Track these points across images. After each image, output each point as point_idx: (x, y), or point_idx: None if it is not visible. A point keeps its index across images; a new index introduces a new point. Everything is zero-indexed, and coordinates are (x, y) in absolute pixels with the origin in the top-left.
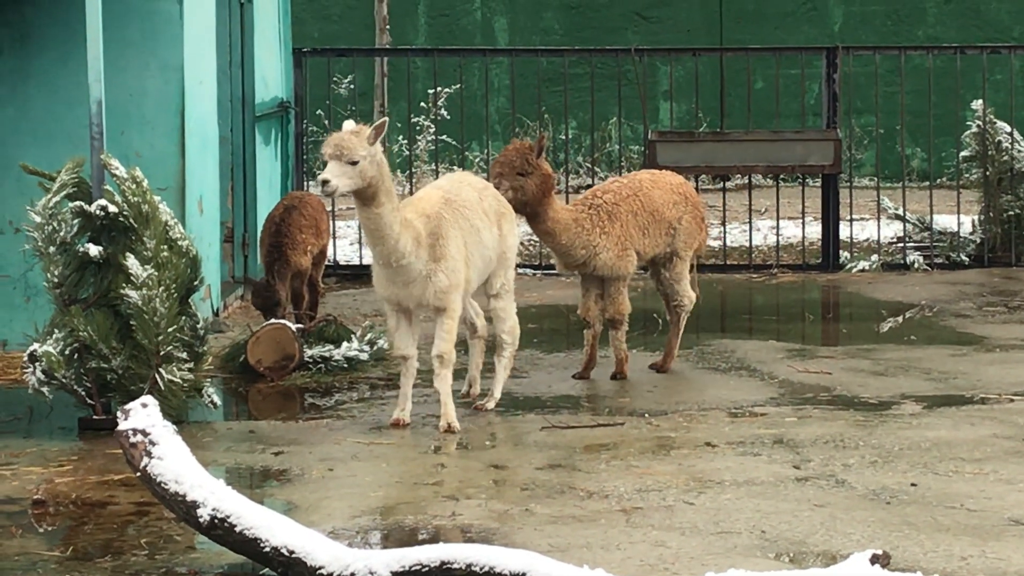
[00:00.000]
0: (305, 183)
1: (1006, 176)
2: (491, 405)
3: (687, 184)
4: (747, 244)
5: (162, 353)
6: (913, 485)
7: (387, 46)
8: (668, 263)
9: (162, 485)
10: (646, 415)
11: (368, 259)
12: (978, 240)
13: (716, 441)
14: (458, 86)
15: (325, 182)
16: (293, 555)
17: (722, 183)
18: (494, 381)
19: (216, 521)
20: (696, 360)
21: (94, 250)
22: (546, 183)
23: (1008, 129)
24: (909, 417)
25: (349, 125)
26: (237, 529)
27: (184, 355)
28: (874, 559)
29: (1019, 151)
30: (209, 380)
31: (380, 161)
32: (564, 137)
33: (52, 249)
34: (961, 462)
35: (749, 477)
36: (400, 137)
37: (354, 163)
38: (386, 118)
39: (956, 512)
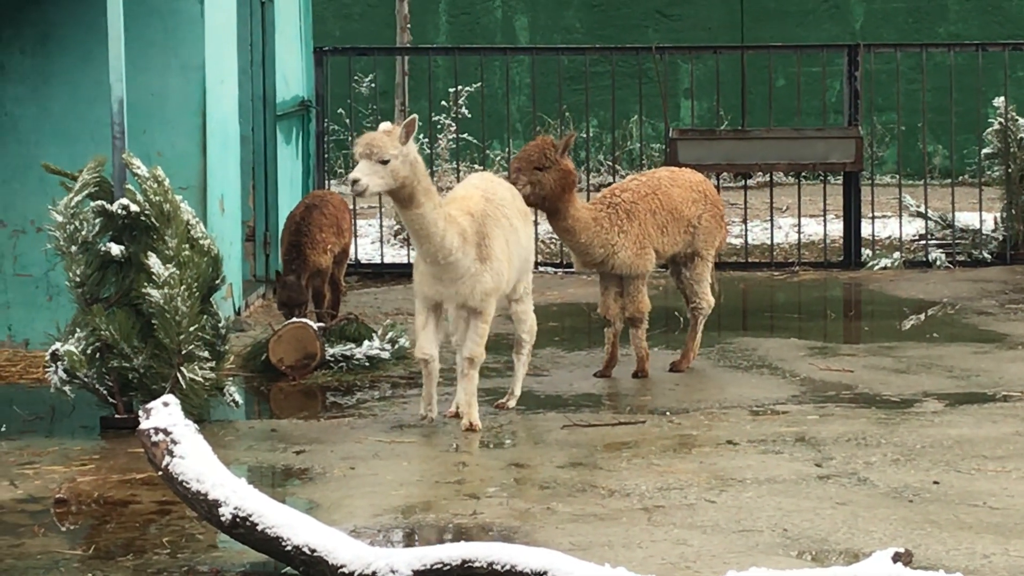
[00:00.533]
0: (326, 182)
1: None
2: (512, 403)
3: (707, 182)
4: (768, 242)
5: (184, 352)
6: (935, 483)
7: (408, 45)
8: (689, 263)
9: (184, 484)
10: (667, 413)
11: (390, 258)
12: (1000, 237)
13: (738, 439)
14: (479, 85)
15: (355, 181)
16: (315, 554)
17: (743, 181)
18: (513, 379)
19: (238, 520)
20: (717, 358)
21: (116, 249)
22: (566, 179)
23: None
24: (931, 415)
25: (385, 126)
26: (259, 528)
27: (206, 354)
28: (896, 557)
29: None
30: (230, 379)
31: (414, 160)
32: (585, 135)
33: (74, 248)
34: (983, 460)
35: (771, 475)
36: (421, 136)
37: (385, 162)
38: (415, 115)
39: (978, 510)
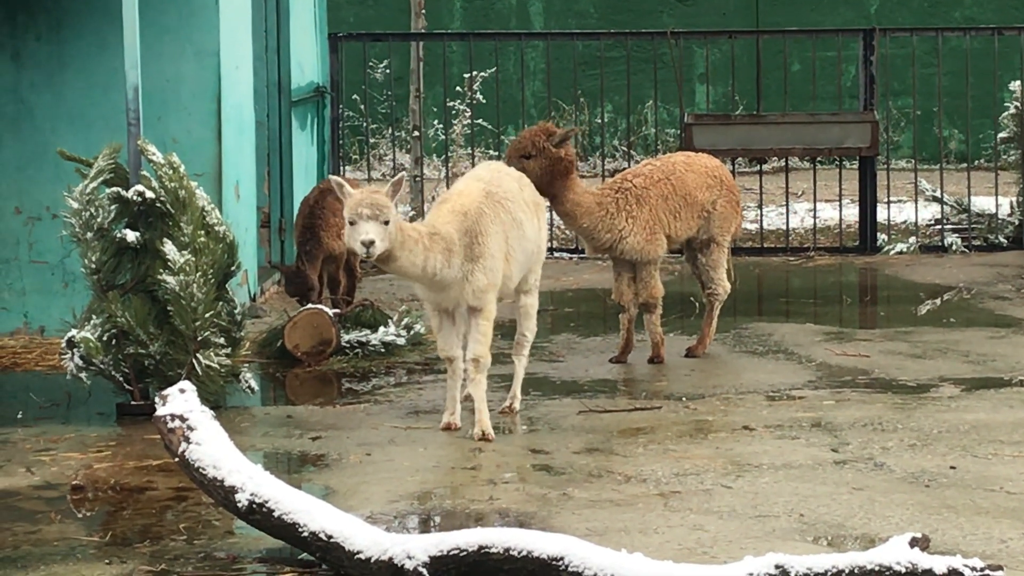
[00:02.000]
0: (341, 168)
1: None
2: (518, 405)
3: (722, 167)
4: (784, 227)
5: (199, 339)
6: (952, 468)
7: (423, 30)
8: (705, 249)
9: (200, 470)
10: (683, 399)
11: None
12: (1016, 222)
13: (754, 424)
14: (493, 70)
15: (371, 243)
16: (331, 540)
17: (759, 166)
18: (514, 380)
19: (254, 506)
20: (733, 343)
21: (131, 236)
22: (556, 166)
23: None
24: (948, 400)
25: (375, 187)
26: (275, 514)
27: (221, 340)
28: (913, 542)
29: None
30: (246, 365)
31: (396, 219)
32: (600, 120)
33: (89, 235)
34: (1000, 444)
35: (787, 460)
36: (436, 121)
37: (387, 223)
38: (403, 174)
39: (995, 495)
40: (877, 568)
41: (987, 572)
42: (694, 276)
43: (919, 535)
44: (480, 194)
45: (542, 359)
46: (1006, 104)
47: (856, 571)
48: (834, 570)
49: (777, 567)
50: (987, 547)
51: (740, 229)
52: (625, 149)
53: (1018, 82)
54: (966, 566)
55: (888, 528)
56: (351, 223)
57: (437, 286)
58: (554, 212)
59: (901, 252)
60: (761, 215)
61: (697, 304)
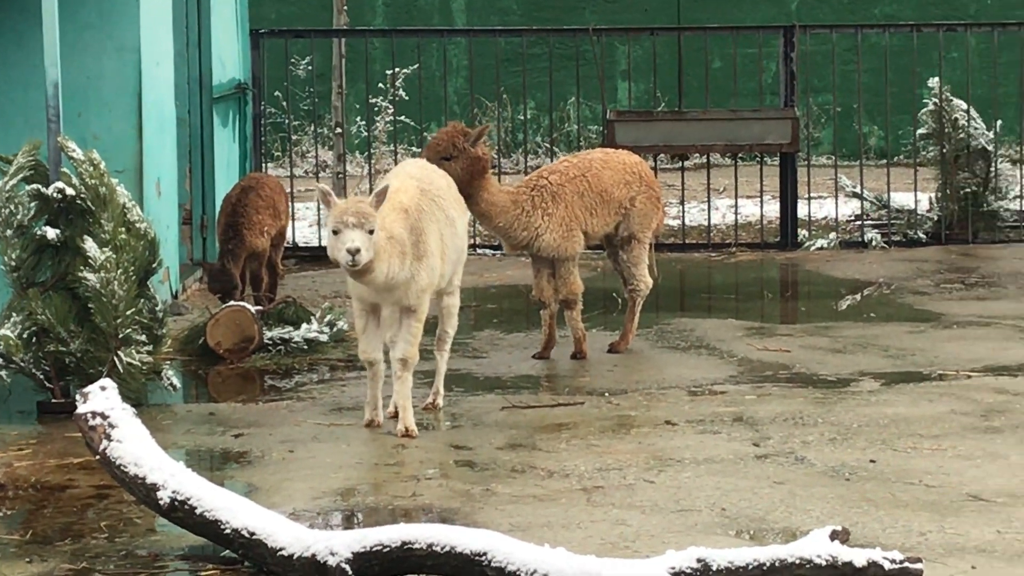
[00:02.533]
0: (263, 165)
1: (962, 153)
2: (441, 401)
3: (642, 164)
4: (706, 223)
5: (121, 336)
6: (872, 461)
7: (345, 27)
8: (626, 245)
9: (121, 468)
10: (606, 394)
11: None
12: (935, 217)
13: (676, 419)
14: (416, 67)
15: (357, 251)
16: (254, 537)
17: (680, 162)
18: (437, 375)
19: (176, 503)
20: (656, 339)
21: (51, 233)
22: (475, 166)
23: (964, 107)
24: (867, 394)
25: (360, 197)
26: (197, 511)
27: (143, 338)
28: (833, 535)
29: (975, 128)
30: (168, 363)
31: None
32: (523, 117)
33: (9, 232)
34: (919, 438)
35: (709, 455)
36: (358, 118)
37: (372, 232)
38: (388, 184)
39: (914, 488)
40: (798, 561)
41: (906, 565)
42: (616, 272)
43: (839, 528)
44: (417, 191)
45: (465, 355)
46: (925, 101)
47: (777, 564)
48: (755, 563)
49: (699, 561)
50: (906, 540)
51: (662, 225)
52: (548, 146)
53: (936, 79)
54: (885, 559)
55: (809, 521)
56: (335, 232)
57: (387, 288)
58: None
59: (822, 248)
60: (683, 211)
61: (620, 300)
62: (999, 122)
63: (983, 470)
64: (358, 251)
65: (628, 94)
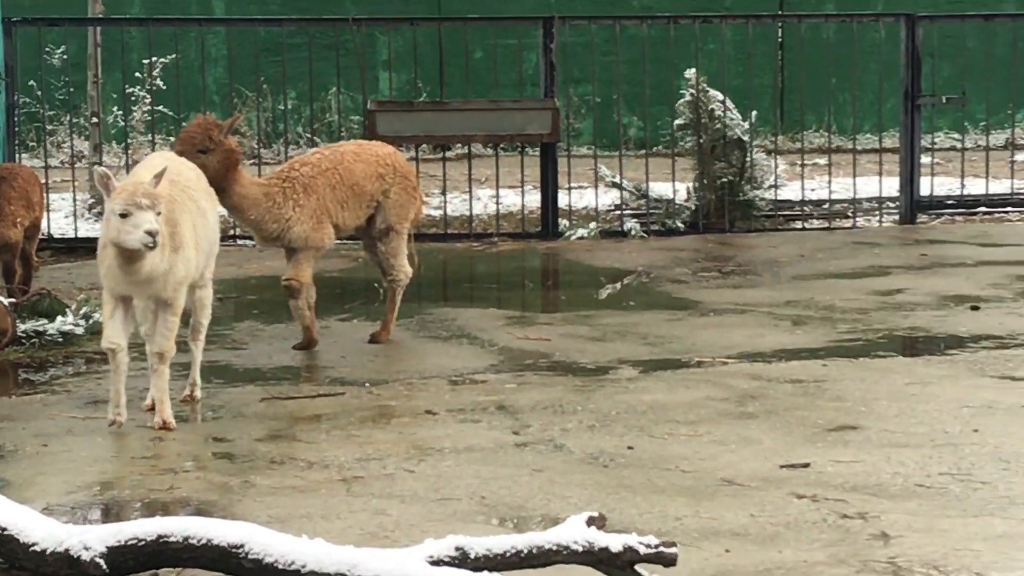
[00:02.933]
0: (17, 155)
1: (719, 143)
2: (199, 393)
3: (396, 155)
4: (468, 213)
5: None
6: (630, 448)
7: (100, 15)
8: (384, 237)
9: None
10: (367, 384)
11: (84, 232)
12: (693, 207)
13: (437, 409)
14: (174, 56)
15: (156, 232)
16: (5, 532)
17: (442, 152)
18: (192, 366)
19: None
20: (417, 329)
21: None
22: (229, 159)
23: (720, 97)
24: (626, 381)
25: (132, 180)
26: None
27: None
28: (590, 521)
29: (731, 119)
30: None
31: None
32: (283, 107)
33: None
34: (676, 424)
35: (469, 444)
36: (115, 108)
37: (160, 214)
38: (166, 166)
39: (671, 473)
40: (555, 548)
41: (661, 549)
42: (374, 264)
43: (596, 514)
44: (167, 182)
45: (224, 347)
46: (682, 92)
47: (535, 551)
48: (513, 551)
49: (457, 549)
50: (663, 524)
51: (420, 215)
52: (309, 136)
53: (693, 70)
54: (641, 543)
55: (567, 508)
56: (124, 215)
57: (147, 280)
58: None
59: (582, 237)
60: (445, 201)
61: (381, 290)
62: (754, 113)
63: (738, 455)
64: (156, 232)
65: (389, 84)
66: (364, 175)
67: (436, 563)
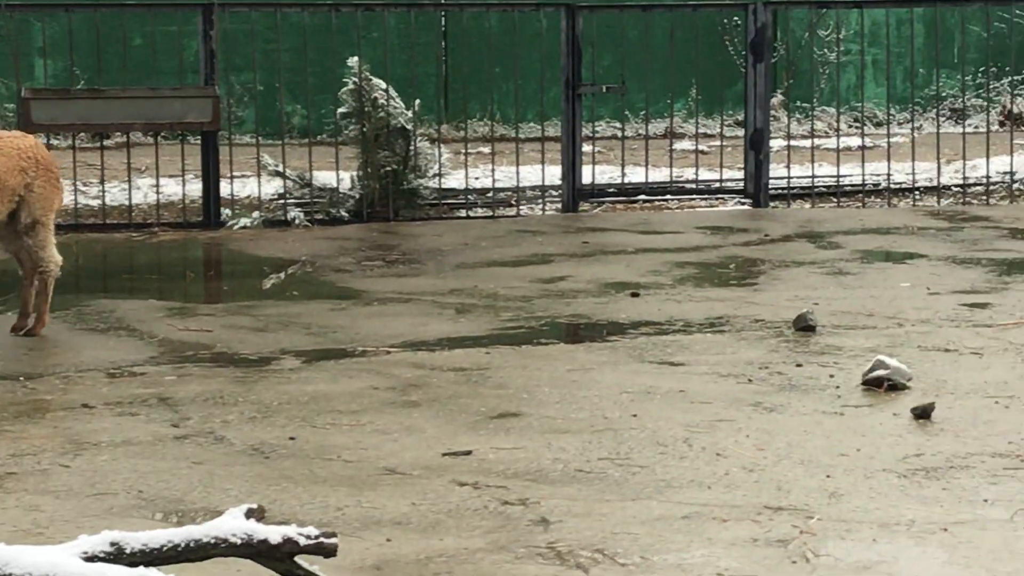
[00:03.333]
0: None
1: (383, 132)
2: None
3: (38, 147)
4: (127, 203)
5: None
6: (292, 439)
7: None
8: (31, 231)
9: None
10: (20, 378)
11: None
12: (357, 196)
13: (93, 402)
14: None
15: None
16: None
17: (100, 141)
18: None
19: None
20: (74, 321)
21: None
22: None
23: (384, 86)
24: (289, 372)
25: None
26: None
27: None
28: (249, 513)
29: (395, 108)
30: None
31: None
32: None
33: None
34: (339, 414)
35: (127, 437)
36: None
37: None
38: None
39: (333, 464)
40: (213, 540)
41: (321, 540)
42: (11, 255)
43: (255, 506)
44: None
45: None
46: (345, 80)
47: (192, 544)
48: (170, 544)
49: (112, 544)
50: (324, 515)
51: (61, 205)
52: None
53: (356, 58)
54: (301, 534)
55: (228, 501)
56: None
57: None
58: None
59: (245, 227)
60: (104, 191)
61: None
62: (418, 101)
63: (400, 444)
64: None
65: (44, 72)
66: (6, 169)
67: (91, 559)
